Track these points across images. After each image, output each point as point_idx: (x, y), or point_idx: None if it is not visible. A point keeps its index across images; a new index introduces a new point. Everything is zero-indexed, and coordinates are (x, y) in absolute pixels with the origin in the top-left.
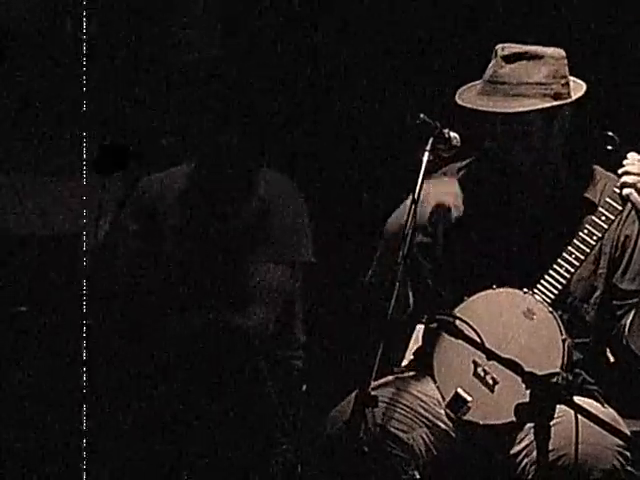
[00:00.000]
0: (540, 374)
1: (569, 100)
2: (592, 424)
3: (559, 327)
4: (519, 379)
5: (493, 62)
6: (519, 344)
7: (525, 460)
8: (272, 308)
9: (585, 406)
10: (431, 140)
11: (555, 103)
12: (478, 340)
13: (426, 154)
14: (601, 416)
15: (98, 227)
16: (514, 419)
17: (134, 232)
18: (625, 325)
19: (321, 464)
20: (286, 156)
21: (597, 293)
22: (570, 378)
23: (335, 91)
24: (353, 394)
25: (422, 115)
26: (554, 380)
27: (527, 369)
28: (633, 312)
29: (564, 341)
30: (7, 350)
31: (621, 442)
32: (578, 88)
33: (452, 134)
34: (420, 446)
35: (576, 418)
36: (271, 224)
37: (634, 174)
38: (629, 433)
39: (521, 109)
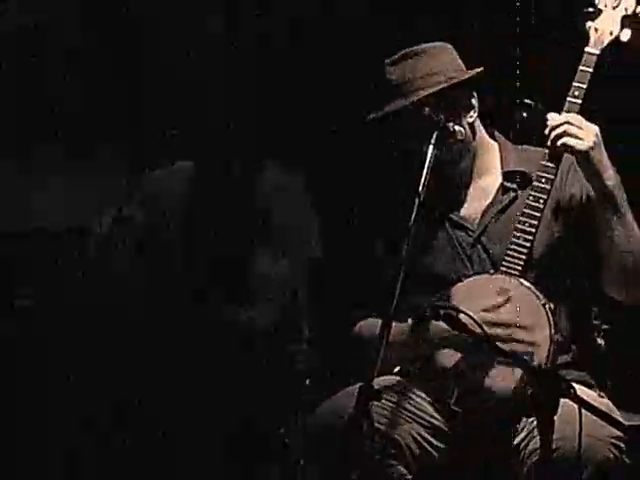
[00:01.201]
0: (544, 367)
1: (462, 78)
2: (588, 416)
3: (535, 294)
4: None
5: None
6: (504, 324)
7: (523, 452)
8: (277, 303)
9: (584, 397)
10: (435, 134)
11: (445, 85)
12: (481, 332)
13: (430, 148)
14: (598, 406)
15: (101, 221)
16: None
17: (139, 227)
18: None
19: (316, 457)
20: (293, 151)
21: (560, 254)
22: (560, 339)
23: (339, 85)
24: (344, 391)
25: (427, 109)
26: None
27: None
28: (604, 260)
29: (544, 305)
30: (10, 344)
31: (616, 433)
32: (472, 72)
33: (457, 128)
34: (409, 443)
35: (580, 412)
36: (276, 219)
37: (559, 125)
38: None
39: (412, 99)
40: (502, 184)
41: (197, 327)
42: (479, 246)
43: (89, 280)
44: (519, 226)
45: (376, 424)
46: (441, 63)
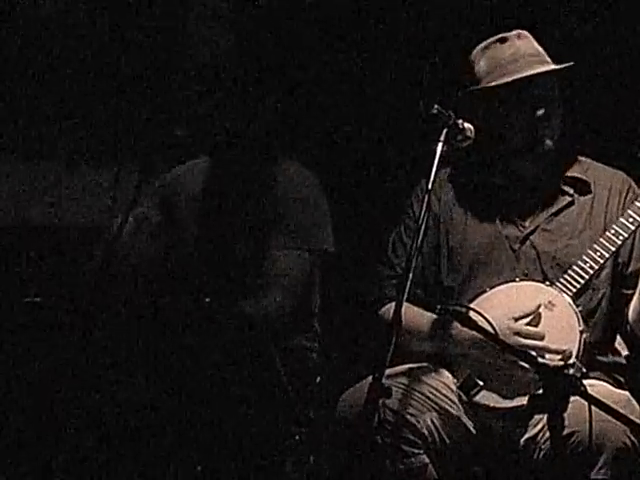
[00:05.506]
0: (552, 365)
1: (569, 64)
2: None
3: (577, 318)
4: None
5: (488, 52)
6: (534, 336)
7: (538, 445)
8: (290, 297)
9: (598, 388)
10: (445, 131)
11: (567, 64)
12: (492, 331)
13: (440, 145)
14: (614, 397)
15: (114, 218)
16: (525, 403)
17: (156, 222)
18: (628, 310)
19: (333, 447)
20: (305, 145)
21: (607, 270)
22: (584, 370)
23: (350, 82)
24: (368, 379)
25: (436, 106)
26: (569, 370)
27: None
28: (636, 296)
29: (581, 332)
30: (20, 340)
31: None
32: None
33: (466, 125)
34: (430, 430)
35: (589, 407)
36: (290, 212)
37: None
38: None
39: (556, 67)
40: (560, 187)
41: (210, 320)
42: (528, 243)
43: (102, 276)
44: (590, 252)
45: (402, 413)
46: (537, 47)
